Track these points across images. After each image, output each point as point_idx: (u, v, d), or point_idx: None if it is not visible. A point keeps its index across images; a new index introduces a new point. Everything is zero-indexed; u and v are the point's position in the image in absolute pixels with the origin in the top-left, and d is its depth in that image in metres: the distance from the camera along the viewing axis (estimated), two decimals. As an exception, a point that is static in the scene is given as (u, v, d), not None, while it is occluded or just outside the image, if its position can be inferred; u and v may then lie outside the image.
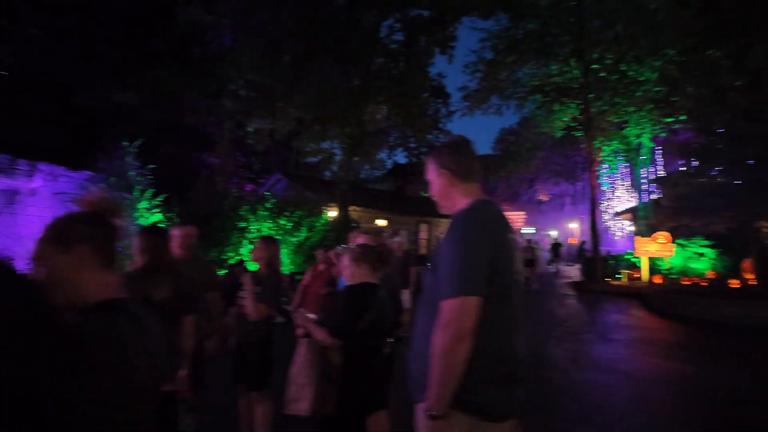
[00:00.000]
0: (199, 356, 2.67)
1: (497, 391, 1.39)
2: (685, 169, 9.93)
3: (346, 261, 2.47)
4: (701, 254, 13.66)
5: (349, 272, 2.42)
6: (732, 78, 8.15)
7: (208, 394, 3.25)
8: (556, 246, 23.57)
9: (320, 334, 2.22)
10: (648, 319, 8.73)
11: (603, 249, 26.01)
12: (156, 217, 8.97)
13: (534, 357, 5.61)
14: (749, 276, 11.32)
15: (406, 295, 6.96)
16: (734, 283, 11.44)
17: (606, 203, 37.41)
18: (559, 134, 14.95)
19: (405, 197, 21.90)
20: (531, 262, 15.87)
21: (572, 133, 14.57)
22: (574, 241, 29.99)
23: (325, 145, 14.01)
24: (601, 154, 14.42)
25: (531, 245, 16.55)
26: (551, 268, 24.05)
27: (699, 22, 8.75)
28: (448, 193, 1.64)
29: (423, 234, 20.28)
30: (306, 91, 11.82)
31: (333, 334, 2.17)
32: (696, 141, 9.79)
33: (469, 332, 1.31)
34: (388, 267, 2.63)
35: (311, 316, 2.55)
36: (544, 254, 25.17)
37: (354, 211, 16.50)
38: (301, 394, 2.54)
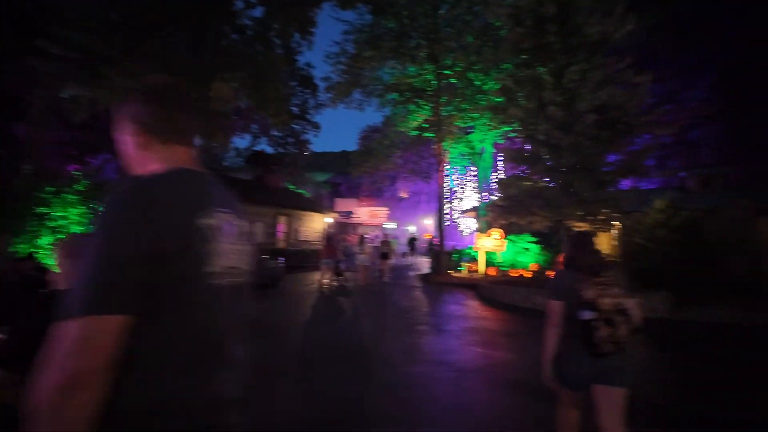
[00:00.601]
0: None
1: None
2: (517, 173, 11.00)
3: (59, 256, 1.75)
4: (527, 249, 15.58)
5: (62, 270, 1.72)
6: (552, 93, 9.16)
7: None
8: (412, 240, 24.92)
9: None
10: (479, 309, 9.44)
11: (451, 244, 28.35)
12: None
13: (366, 352, 5.45)
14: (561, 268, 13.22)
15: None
16: (551, 274, 13.23)
17: (456, 201, 41.26)
18: (413, 134, 15.60)
19: (264, 187, 20.67)
20: (386, 255, 16.32)
21: (423, 134, 15.32)
22: (429, 236, 32.20)
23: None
24: (449, 155, 15.42)
25: (387, 239, 17.05)
26: (406, 261, 25.39)
27: (530, 40, 9.72)
28: (137, 157, 1.10)
29: (282, 226, 19.37)
30: (139, 60, 10.05)
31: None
32: (524, 148, 10.90)
33: (92, 374, 0.78)
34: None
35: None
36: (402, 248, 26.50)
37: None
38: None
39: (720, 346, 6.45)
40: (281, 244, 18.93)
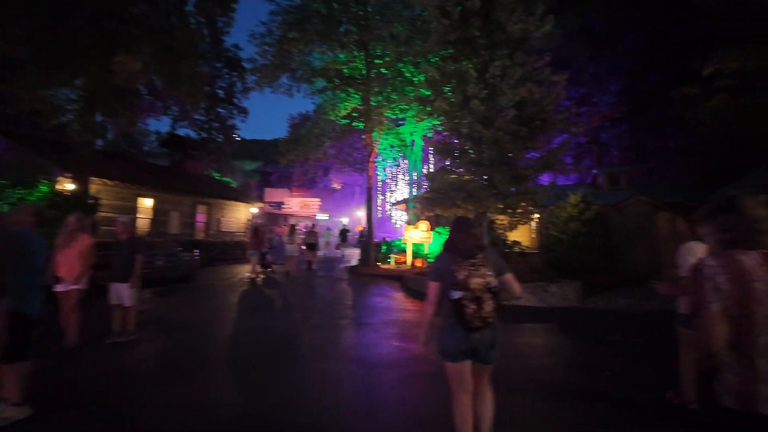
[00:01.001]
0: None
1: None
2: (444, 166, 11.06)
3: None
4: (453, 241, 15.94)
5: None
6: (475, 88, 9.25)
7: None
8: (344, 232, 24.64)
9: None
10: (402, 301, 9.40)
11: (384, 235, 28.50)
12: None
13: (275, 351, 5.09)
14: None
15: (124, 290, 5.57)
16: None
17: (389, 193, 41.56)
18: (342, 123, 15.23)
19: (183, 174, 19.21)
20: (313, 246, 15.95)
21: (353, 123, 15.02)
22: (362, 228, 32.13)
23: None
24: (379, 146, 15.27)
25: (314, 230, 16.63)
26: (338, 253, 25.07)
27: (455, 33, 9.73)
28: None
29: (201, 216, 18.14)
30: (17, 21, 8.65)
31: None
32: (450, 142, 10.98)
33: None
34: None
35: None
36: (335, 240, 26.14)
37: (104, 185, 13.40)
38: None
39: (619, 330, 6.88)
40: (200, 235, 17.74)
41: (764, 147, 15.67)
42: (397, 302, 9.23)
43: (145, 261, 5.73)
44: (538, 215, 15.40)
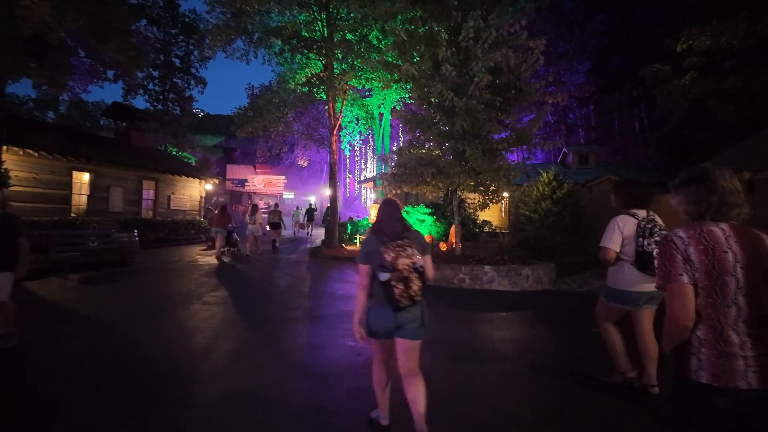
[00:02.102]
0: None
1: None
2: (413, 138, 10.17)
3: None
4: (423, 220, 15.19)
5: None
6: (447, 53, 8.34)
7: None
8: (310, 211, 23.51)
9: None
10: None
11: (352, 214, 27.55)
12: None
13: (197, 359, 4.16)
14: (453, 240, 12.95)
15: (5, 279, 4.44)
16: (443, 247, 12.91)
17: (357, 171, 40.35)
18: (303, 90, 13.96)
19: (128, 146, 17.49)
20: (276, 225, 14.90)
21: (315, 91, 13.80)
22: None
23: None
24: (343, 119, 14.16)
25: (276, 209, 15.54)
26: (304, 232, 24.01)
27: (425, -9, 8.73)
28: None
29: (149, 193, 16.61)
30: None
31: None
32: (418, 114, 10.07)
33: None
34: None
35: None
36: (303, 218, 25.04)
37: (28, 156, 11.78)
38: None
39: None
40: (148, 214, 16.24)
41: (732, 127, 15.61)
42: (355, 287, 8.40)
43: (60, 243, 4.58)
44: (507, 194, 14.86)
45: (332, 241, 14.04)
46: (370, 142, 34.88)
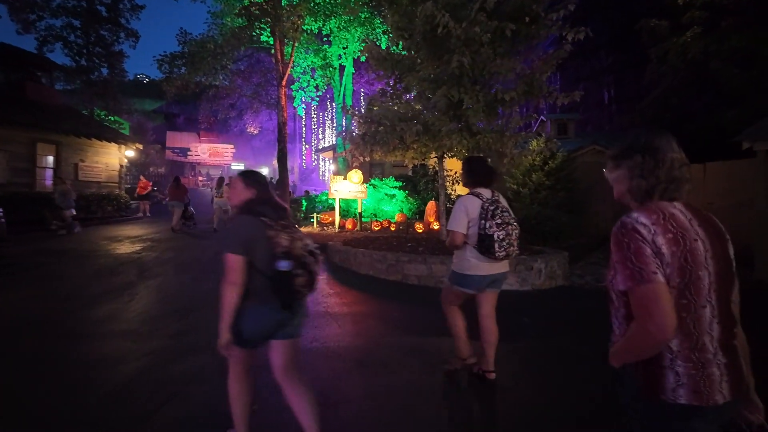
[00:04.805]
0: None
1: None
2: (388, 87, 7.65)
3: None
4: (393, 195, 12.80)
5: None
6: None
7: None
8: (271, 184, 20.58)
9: None
10: (324, 290, 6.16)
11: (309, 188, 24.68)
12: None
13: None
14: (432, 220, 10.67)
15: None
16: (419, 228, 10.65)
17: (314, 142, 37.05)
18: (240, 24, 10.85)
19: (20, 100, 13.75)
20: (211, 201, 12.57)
21: (259, 32, 10.80)
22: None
23: None
24: (294, 67, 11.31)
25: (222, 182, 12.96)
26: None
27: None
28: None
29: (47, 160, 13.15)
30: None
31: None
32: (395, 54, 7.52)
33: None
34: None
35: None
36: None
37: None
38: None
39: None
40: (45, 186, 12.79)
41: (734, 93, 14.12)
42: (315, 294, 5.97)
43: None
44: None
45: (284, 220, 11.38)
46: (329, 108, 31.74)
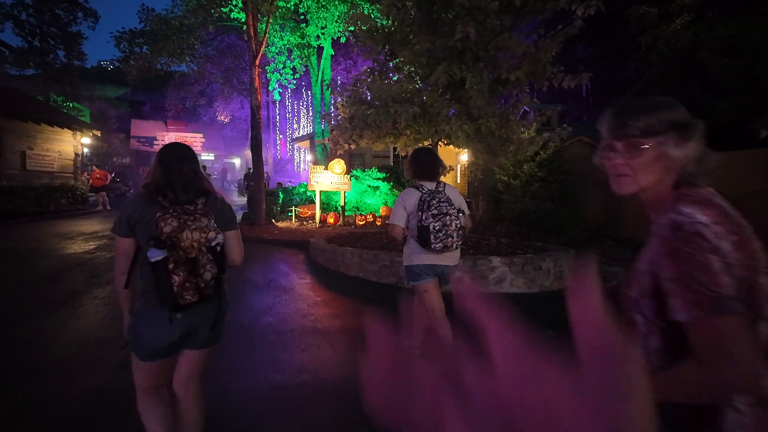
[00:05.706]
0: None
1: None
2: (376, 64, 6.80)
3: None
4: (377, 187, 12.01)
5: None
6: None
7: None
8: (249, 176, 19.11)
9: None
10: (308, 295, 5.33)
11: (283, 180, 23.50)
12: None
13: None
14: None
15: None
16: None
17: (289, 131, 35.69)
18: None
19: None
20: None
21: (229, 6, 9.74)
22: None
23: None
24: (269, 46, 10.30)
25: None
26: (237, 203, 19.79)
27: None
28: None
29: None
30: None
31: None
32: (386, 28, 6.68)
33: None
34: None
35: None
36: (230, 186, 20.68)
37: None
38: None
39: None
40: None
41: (722, 84, 13.92)
42: (296, 302, 5.13)
43: None
44: (465, 154, 12.07)
45: (258, 216, 10.39)
46: (304, 96, 30.45)
